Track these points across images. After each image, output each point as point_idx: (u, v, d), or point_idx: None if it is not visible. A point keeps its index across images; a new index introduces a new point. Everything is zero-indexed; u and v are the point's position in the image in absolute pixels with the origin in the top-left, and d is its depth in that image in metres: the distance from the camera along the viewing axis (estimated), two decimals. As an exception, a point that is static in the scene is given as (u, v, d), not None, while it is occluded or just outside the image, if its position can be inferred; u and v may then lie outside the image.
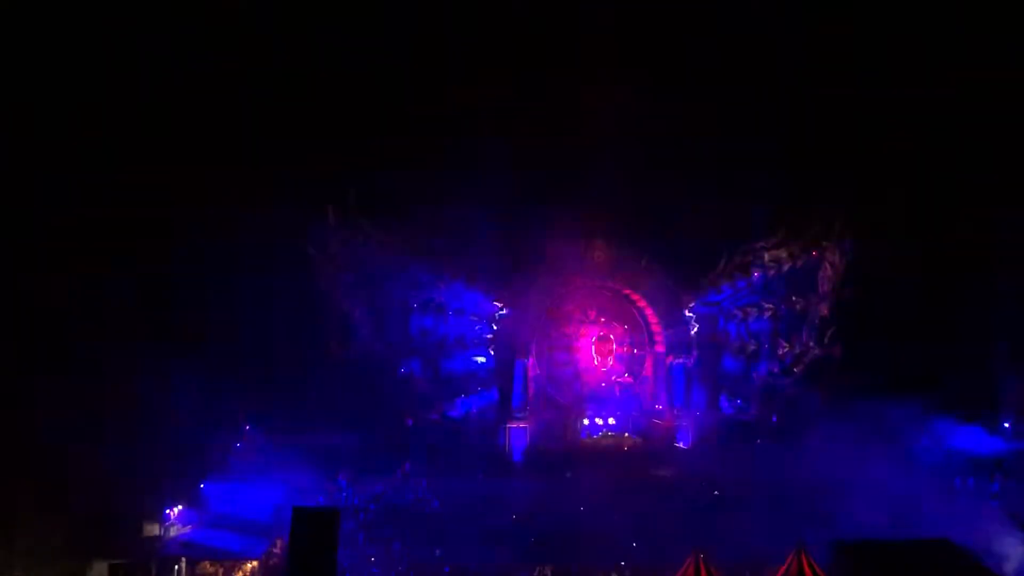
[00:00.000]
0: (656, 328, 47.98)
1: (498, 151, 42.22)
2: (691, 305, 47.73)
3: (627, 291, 47.94)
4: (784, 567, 26.95)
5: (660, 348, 48.03)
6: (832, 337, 46.74)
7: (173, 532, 34.44)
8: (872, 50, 44.77)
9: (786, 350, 47.65)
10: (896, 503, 33.64)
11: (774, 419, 46.61)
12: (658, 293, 47.41)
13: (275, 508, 34.89)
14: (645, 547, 33.26)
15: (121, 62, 39.38)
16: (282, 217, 40.75)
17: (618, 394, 48.72)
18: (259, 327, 40.30)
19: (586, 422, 47.30)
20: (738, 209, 46.12)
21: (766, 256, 47.31)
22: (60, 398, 32.76)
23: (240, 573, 34.56)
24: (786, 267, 47.26)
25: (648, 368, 49.01)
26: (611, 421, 47.63)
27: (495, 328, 46.95)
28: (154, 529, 33.56)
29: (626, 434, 47.32)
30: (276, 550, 34.50)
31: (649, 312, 47.98)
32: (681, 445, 46.22)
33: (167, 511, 34.52)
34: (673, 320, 47.45)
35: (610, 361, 49.05)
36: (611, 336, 49.06)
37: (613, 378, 49.01)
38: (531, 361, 46.61)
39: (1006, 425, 45.89)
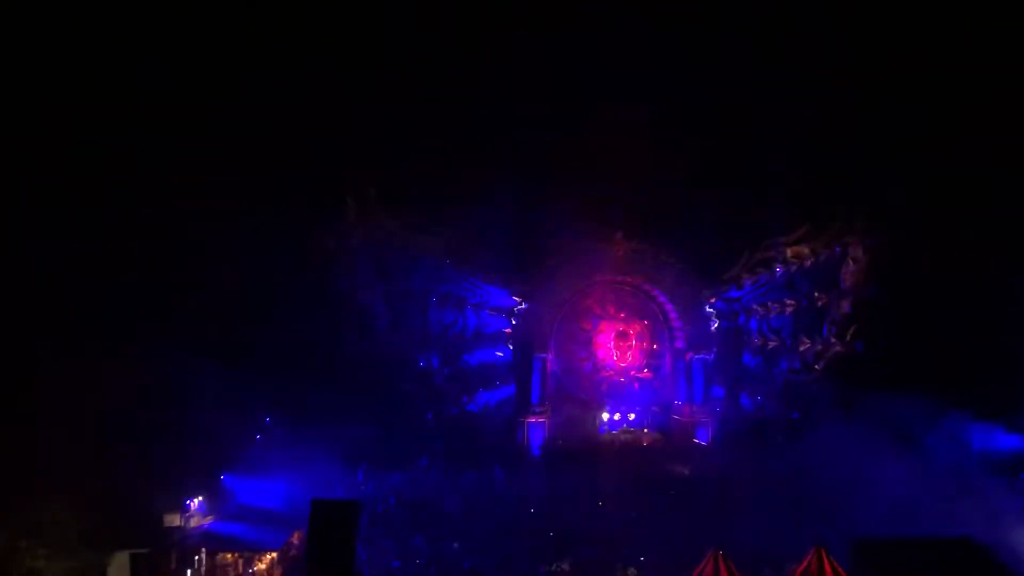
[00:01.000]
0: (676, 324, 47.76)
1: (519, 146, 42.28)
2: (711, 301, 47.49)
3: (647, 286, 47.75)
4: (804, 565, 26.87)
5: (680, 344, 47.81)
6: (854, 334, 46.40)
7: (194, 523, 34.69)
8: (898, 42, 44.49)
9: (807, 347, 47.33)
10: (916, 501, 33.35)
11: (794, 416, 46.32)
12: (678, 289, 47.18)
13: (295, 500, 35.05)
14: (664, 543, 33.09)
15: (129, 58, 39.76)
16: (304, 212, 41.02)
17: (637, 390, 48.59)
18: (280, 321, 40.50)
19: (605, 418, 47.20)
20: (760, 205, 45.93)
21: (788, 252, 46.99)
22: (84, 392, 33.04)
23: (259, 564, 34.77)
24: (808, 263, 46.91)
25: (667, 364, 48.82)
26: (630, 417, 47.50)
27: (514, 323, 46.91)
28: (175, 520, 33.77)
29: (645, 430, 47.18)
30: (295, 541, 34.69)
31: (669, 308, 47.77)
32: (700, 442, 46.01)
33: (188, 502, 34.79)
34: (693, 316, 47.21)
35: (629, 356, 48.89)
36: (630, 331, 48.92)
37: (632, 373, 48.88)
38: (550, 356, 46.55)
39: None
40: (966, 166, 45.27)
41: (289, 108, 42.13)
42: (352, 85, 43.14)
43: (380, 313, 43.24)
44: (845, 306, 46.51)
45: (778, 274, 47.18)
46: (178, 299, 39.34)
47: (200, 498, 35.48)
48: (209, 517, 35.48)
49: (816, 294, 47.07)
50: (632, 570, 33.32)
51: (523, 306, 46.67)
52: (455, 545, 33.95)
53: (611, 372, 48.68)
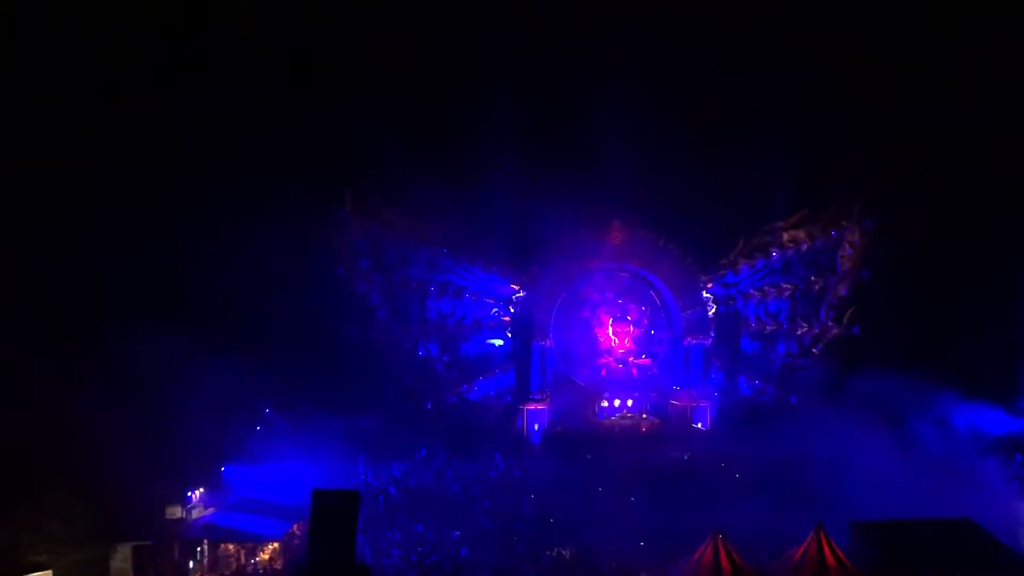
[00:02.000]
0: (674, 309, 47.77)
1: (517, 134, 42.25)
2: (709, 286, 47.53)
3: (644, 273, 47.76)
4: (803, 547, 26.95)
5: (678, 329, 47.83)
6: (851, 317, 46.53)
7: (195, 515, 34.82)
8: (896, 25, 44.52)
9: (804, 330, 47.44)
10: (915, 483, 33.52)
11: (793, 400, 46.49)
12: (676, 274, 47.17)
13: (296, 491, 35.14)
14: (664, 528, 33.23)
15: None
16: (301, 202, 41.05)
17: (636, 375, 48.70)
18: (280, 312, 40.58)
19: (604, 404, 47.31)
20: (757, 189, 45.99)
21: (785, 236, 47.04)
22: (84, 385, 33.11)
23: (262, 555, 34.94)
24: (805, 247, 46.98)
25: (666, 349, 48.91)
26: (629, 403, 47.58)
27: (513, 311, 46.91)
28: (176, 512, 33.90)
29: (644, 415, 47.30)
30: (297, 532, 34.81)
31: (667, 293, 47.77)
32: (699, 426, 46.17)
33: (189, 494, 34.89)
34: (691, 301, 47.22)
35: (628, 342, 48.99)
36: (629, 317, 49.01)
37: (631, 359, 48.96)
38: (549, 343, 46.55)
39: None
40: (963, 150, 45.43)
41: (286, 99, 42.19)
42: (348, 76, 43.17)
43: (379, 303, 43.32)
44: (842, 290, 46.62)
45: (775, 259, 47.25)
46: (178, 290, 39.48)
47: (201, 490, 35.62)
48: (211, 509, 35.60)
49: (813, 278, 47.16)
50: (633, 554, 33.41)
51: (521, 294, 46.68)
52: (455, 533, 34.09)
53: (610, 358, 48.77)
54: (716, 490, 36.72)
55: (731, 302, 47.98)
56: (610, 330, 48.81)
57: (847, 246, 46.28)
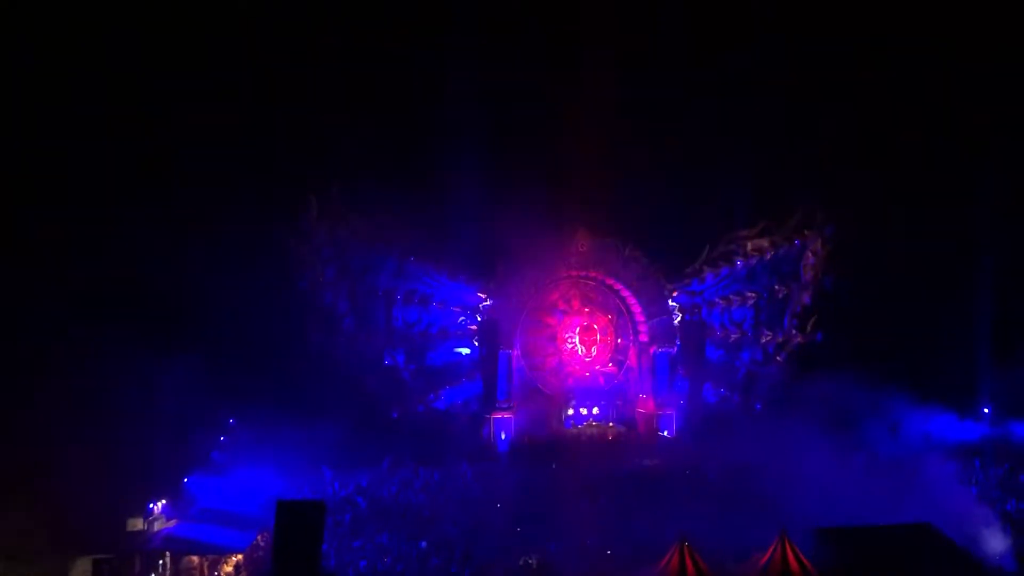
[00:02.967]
0: (640, 318, 48.05)
1: (480, 143, 42.29)
2: (675, 294, 47.88)
3: (610, 281, 48.01)
4: (768, 554, 27.13)
5: (644, 338, 48.13)
6: (814, 325, 47.14)
7: (157, 527, 34.19)
8: (858, 36, 45.32)
9: (769, 338, 47.94)
10: (877, 489, 33.91)
11: (758, 407, 46.92)
12: (641, 283, 47.49)
13: (260, 501, 34.77)
14: (630, 535, 33.31)
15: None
16: (265, 208, 40.73)
17: (603, 384, 48.91)
18: (243, 321, 40.14)
19: (571, 412, 47.46)
20: (720, 198, 46.47)
21: (748, 246, 47.58)
22: (41, 395, 32.50)
23: (225, 566, 34.43)
24: (768, 256, 47.54)
25: (632, 358, 49.17)
26: (595, 411, 47.82)
27: (479, 319, 46.90)
28: (138, 524, 33.26)
29: (611, 424, 47.57)
30: (261, 543, 34.39)
31: (632, 302, 48.05)
32: (666, 434, 46.42)
33: (151, 506, 34.29)
34: (657, 309, 47.56)
35: (594, 351, 49.22)
36: (595, 326, 49.24)
37: (597, 368, 49.19)
38: (515, 352, 46.64)
39: (985, 411, 46.50)
40: (924, 158, 46.28)
41: (251, 107, 41.87)
42: (313, 84, 42.99)
43: (344, 312, 43.05)
44: (805, 298, 47.28)
45: (739, 267, 47.76)
46: (137, 298, 38.93)
47: (164, 501, 35.00)
48: (173, 520, 35.03)
49: (776, 286, 47.72)
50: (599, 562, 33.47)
51: (488, 302, 46.67)
52: (422, 543, 33.89)
53: (576, 367, 48.90)
54: (682, 497, 36.87)
55: (696, 310, 48.40)
56: (576, 338, 48.94)
57: (809, 254, 46.94)
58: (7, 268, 35.93)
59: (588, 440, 45.97)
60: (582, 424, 47.34)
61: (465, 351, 47.25)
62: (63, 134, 38.51)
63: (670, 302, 47.80)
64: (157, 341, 36.36)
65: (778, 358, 48.07)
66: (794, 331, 47.75)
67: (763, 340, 48.23)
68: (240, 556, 34.17)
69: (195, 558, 34.05)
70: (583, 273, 47.87)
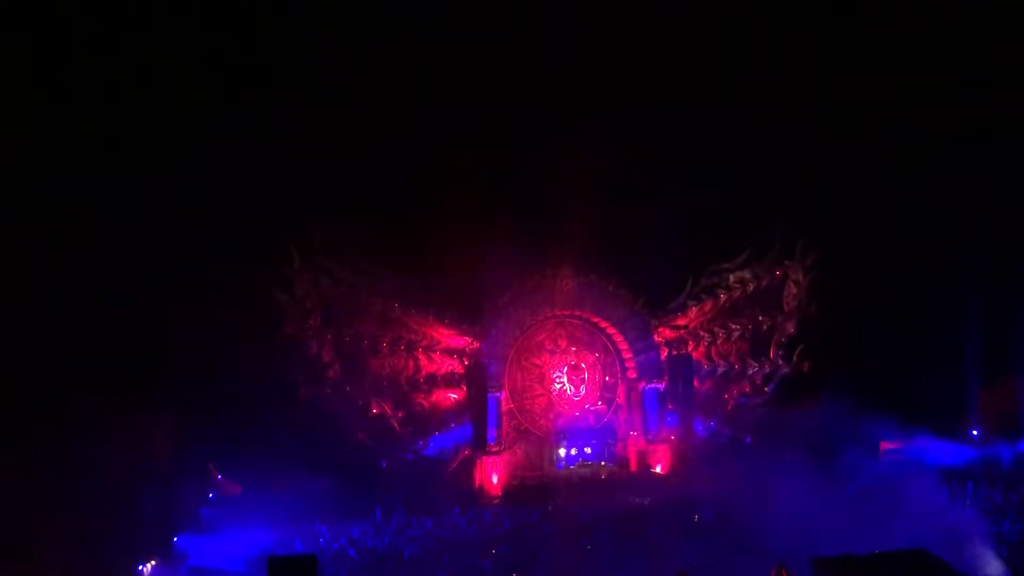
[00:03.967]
0: (627, 355, 48.07)
1: (463, 183, 42.50)
2: (660, 329, 47.97)
3: (596, 319, 48.08)
4: (766, 587, 26.93)
5: (632, 374, 48.12)
6: (800, 354, 47.31)
7: (147, 588, 33.69)
8: (835, 62, 46.00)
9: (756, 370, 48.04)
10: (871, 517, 33.81)
11: (747, 440, 46.84)
12: (627, 319, 47.59)
13: (251, 558, 34.30)
14: (627, 574, 33.03)
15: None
16: (247, 258, 40.63)
17: (593, 423, 48.71)
18: (227, 373, 39.83)
19: (562, 453, 47.17)
20: (705, 232, 46.76)
21: (730, 278, 47.84)
22: (26, 454, 32.09)
23: (217, 626, 33.91)
24: (751, 288, 47.80)
25: (621, 395, 49.09)
26: (587, 451, 47.53)
27: (466, 363, 46.74)
28: (128, 586, 32.79)
29: (602, 463, 47.26)
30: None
31: (619, 339, 48.10)
32: (658, 470, 46.21)
33: (140, 567, 33.77)
34: (643, 346, 47.61)
35: (583, 390, 49.09)
36: (583, 365, 49.16)
37: (587, 407, 49.03)
38: (504, 394, 46.47)
39: (974, 433, 46.65)
40: (901, 185, 46.82)
41: (231, 150, 41.74)
42: (293, 131, 43.07)
43: (330, 362, 42.82)
44: (790, 328, 47.47)
45: (722, 300, 47.96)
46: (122, 355, 38.57)
47: (153, 562, 34.49)
48: (163, 581, 34.53)
49: (761, 318, 47.92)
50: None
51: (475, 345, 46.60)
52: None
53: (566, 407, 48.76)
54: (679, 534, 36.63)
55: (683, 344, 48.48)
56: (564, 378, 48.86)
57: (791, 284, 47.24)
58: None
59: (580, 480, 45.68)
60: (574, 464, 47.03)
61: (453, 396, 47.02)
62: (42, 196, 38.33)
63: (656, 337, 47.86)
64: (141, 399, 36.07)
65: (766, 389, 48.15)
66: (780, 361, 47.89)
67: (750, 372, 48.33)
68: (232, 615, 33.67)
69: (186, 619, 33.53)
70: (569, 312, 47.93)
